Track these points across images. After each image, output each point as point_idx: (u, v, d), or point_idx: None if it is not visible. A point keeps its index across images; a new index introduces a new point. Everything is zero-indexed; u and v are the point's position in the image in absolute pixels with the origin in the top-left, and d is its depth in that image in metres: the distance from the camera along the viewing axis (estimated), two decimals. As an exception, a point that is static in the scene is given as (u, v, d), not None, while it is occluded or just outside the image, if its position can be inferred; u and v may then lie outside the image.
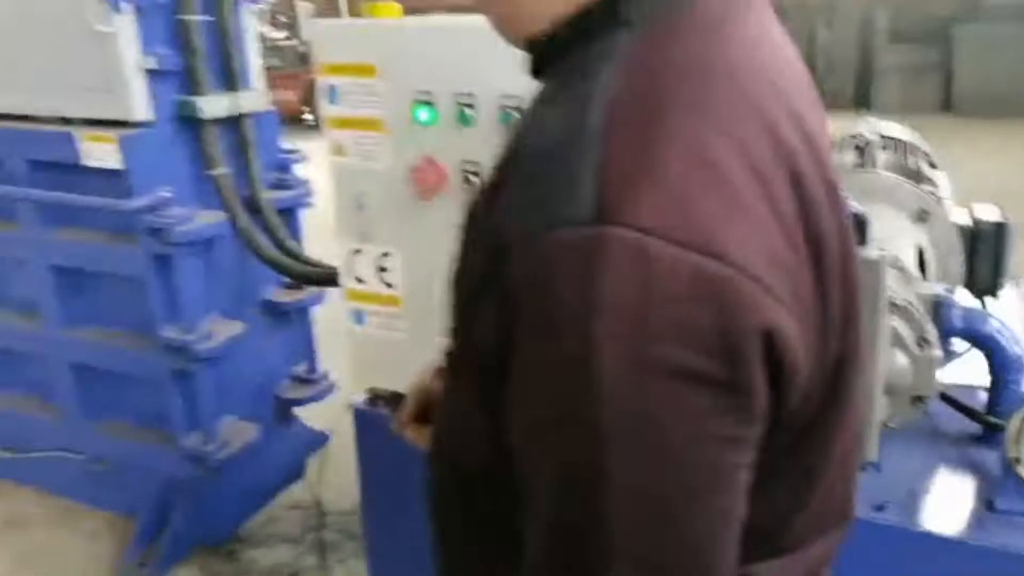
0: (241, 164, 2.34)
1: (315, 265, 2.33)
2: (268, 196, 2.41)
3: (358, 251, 1.47)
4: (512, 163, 0.56)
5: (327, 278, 2.14)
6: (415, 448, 0.88)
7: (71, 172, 2.19)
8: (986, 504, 1.20)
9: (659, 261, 0.44)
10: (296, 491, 2.82)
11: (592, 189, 0.46)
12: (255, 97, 2.36)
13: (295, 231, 2.55)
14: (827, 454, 0.62)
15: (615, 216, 0.45)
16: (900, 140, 1.71)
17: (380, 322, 1.50)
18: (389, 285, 1.46)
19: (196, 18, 2.13)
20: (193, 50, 2.14)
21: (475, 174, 1.29)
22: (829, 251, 0.54)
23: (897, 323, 1.18)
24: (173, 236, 2.13)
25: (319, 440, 2.88)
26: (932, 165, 1.72)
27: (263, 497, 2.76)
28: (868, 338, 0.84)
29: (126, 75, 2.06)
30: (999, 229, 1.60)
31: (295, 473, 2.87)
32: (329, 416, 2.74)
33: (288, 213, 2.53)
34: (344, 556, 2.50)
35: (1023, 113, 9.85)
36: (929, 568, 1.16)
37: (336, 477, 2.67)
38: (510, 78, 1.19)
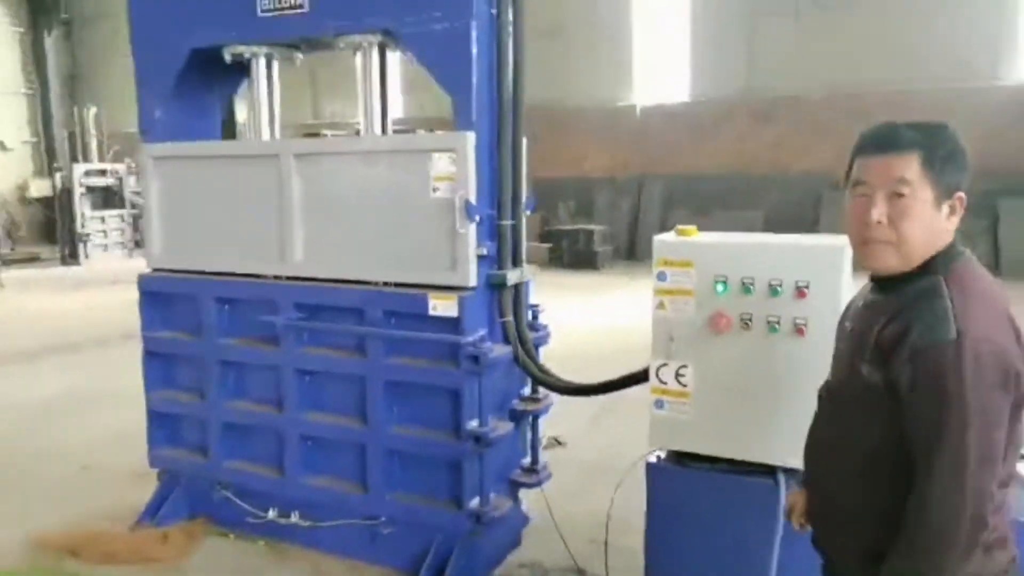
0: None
1: (569, 384, 3.42)
2: (530, 335, 3.54)
3: (664, 365, 2.54)
4: (901, 326, 1.60)
5: (599, 388, 3.22)
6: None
7: (415, 321, 3.36)
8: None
9: (989, 345, 1.51)
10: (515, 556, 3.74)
11: (954, 327, 1.53)
12: (528, 271, 3.54)
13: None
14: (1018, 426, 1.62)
15: (963, 336, 1.51)
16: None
17: (673, 407, 2.54)
18: (684, 386, 2.51)
19: (508, 223, 3.35)
20: (504, 243, 3.36)
21: (749, 320, 2.37)
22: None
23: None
24: (486, 361, 3.25)
25: (525, 519, 3.85)
26: None
27: (504, 550, 3.70)
28: None
29: (468, 258, 3.25)
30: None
31: (516, 541, 3.81)
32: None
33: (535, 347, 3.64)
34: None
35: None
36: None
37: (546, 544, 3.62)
38: (772, 267, 2.31)
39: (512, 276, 3.42)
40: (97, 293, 12.15)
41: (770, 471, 2.44)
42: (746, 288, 2.37)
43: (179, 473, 4.13)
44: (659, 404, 2.57)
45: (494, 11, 3.33)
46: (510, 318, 3.43)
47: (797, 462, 2.09)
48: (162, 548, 3.79)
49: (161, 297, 4.08)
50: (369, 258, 3.53)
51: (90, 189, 15.64)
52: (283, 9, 3.57)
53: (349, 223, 3.56)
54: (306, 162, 3.65)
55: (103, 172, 16.11)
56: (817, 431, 1.90)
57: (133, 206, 16.53)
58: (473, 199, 3.25)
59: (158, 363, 4.11)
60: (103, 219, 15.89)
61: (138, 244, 16.89)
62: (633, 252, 14.70)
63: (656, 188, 14.84)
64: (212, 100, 4.32)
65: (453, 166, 3.29)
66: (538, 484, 3.76)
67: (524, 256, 3.57)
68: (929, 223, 1.63)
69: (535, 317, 3.71)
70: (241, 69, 4.04)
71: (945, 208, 1.65)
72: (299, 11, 3.54)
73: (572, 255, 13.78)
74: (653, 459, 2.64)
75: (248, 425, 3.90)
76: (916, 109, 12.41)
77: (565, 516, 3.73)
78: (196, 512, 4.09)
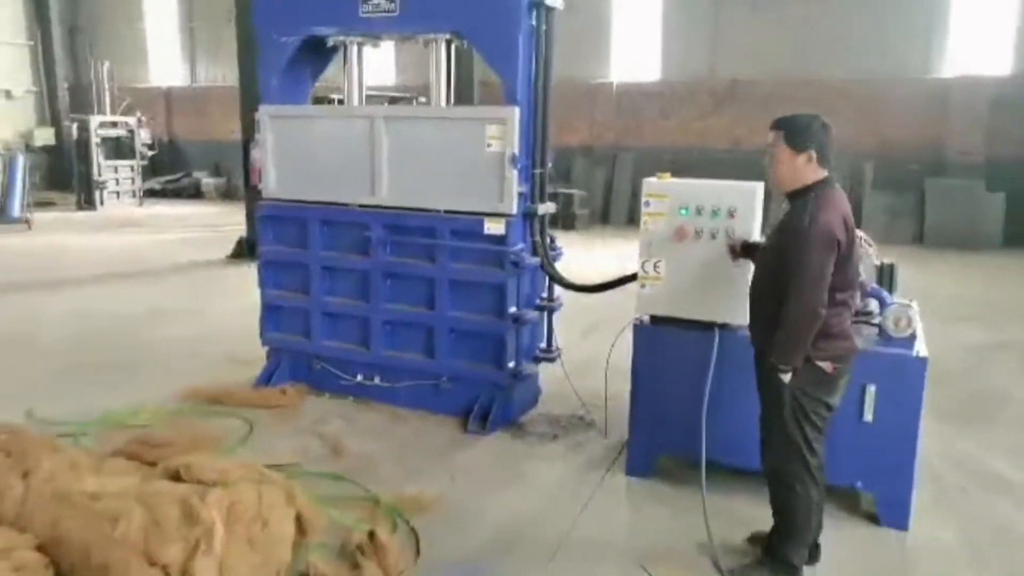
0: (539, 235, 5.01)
1: (577, 284, 4.97)
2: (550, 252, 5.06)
3: (647, 261, 4.07)
4: (788, 224, 3.16)
5: (600, 287, 4.77)
6: (665, 342, 3.46)
7: (472, 237, 4.84)
8: (869, 341, 3.74)
9: (825, 226, 3.03)
10: (534, 411, 5.29)
11: (809, 219, 3.05)
12: (552, 206, 5.06)
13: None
14: (849, 267, 3.16)
15: (813, 222, 3.04)
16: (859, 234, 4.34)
17: (651, 287, 4.08)
18: (659, 273, 4.05)
19: (543, 171, 4.86)
20: (536, 185, 4.86)
21: (700, 231, 3.90)
22: (850, 232, 3.10)
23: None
24: (523, 265, 4.77)
25: (539, 389, 5.42)
26: (869, 244, 4.32)
27: (527, 405, 5.25)
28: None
29: (512, 195, 4.75)
30: (891, 267, 4.18)
31: (536, 398, 5.37)
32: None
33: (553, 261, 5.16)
34: (580, 432, 4.94)
35: (973, 246, 12.71)
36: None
37: (559, 401, 5.19)
38: (716, 199, 3.86)
39: (541, 208, 4.94)
40: (122, 234, 13.37)
41: (710, 326, 3.98)
42: (699, 211, 3.89)
43: (285, 350, 5.60)
44: (643, 286, 4.11)
45: (533, 23, 4.79)
46: (539, 238, 4.95)
47: (726, 319, 3.77)
48: (282, 398, 5.28)
49: (275, 220, 5.51)
50: (438, 192, 4.99)
51: (104, 140, 16.66)
52: (379, 12, 4.99)
53: (424, 167, 5.02)
54: (392, 123, 5.10)
55: (114, 124, 17.13)
56: (753, 279, 3.47)
57: (143, 157, 17.60)
58: (516, 153, 4.74)
59: (271, 269, 5.55)
60: (116, 168, 16.95)
61: (147, 193, 18.02)
62: (607, 216, 16.25)
63: (628, 159, 16.36)
64: (308, 72, 5.71)
65: (502, 130, 4.77)
66: (552, 359, 5.32)
67: (547, 195, 5.08)
68: (790, 167, 3.18)
69: (552, 241, 5.23)
70: (333, 50, 5.46)
71: (802, 158, 3.18)
72: (391, 13, 4.96)
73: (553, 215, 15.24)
74: (638, 322, 4.19)
75: (341, 314, 5.37)
76: (855, 96, 14.26)
77: (566, 391, 5.28)
78: (297, 380, 5.57)
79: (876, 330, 3.79)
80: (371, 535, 3.43)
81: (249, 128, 10.77)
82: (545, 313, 5.28)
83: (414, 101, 13.02)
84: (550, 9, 4.83)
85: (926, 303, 5.91)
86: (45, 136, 20.20)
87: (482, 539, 3.69)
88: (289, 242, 5.49)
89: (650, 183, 4.05)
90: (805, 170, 3.18)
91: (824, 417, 3.23)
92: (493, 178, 4.81)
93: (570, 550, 3.61)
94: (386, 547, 3.36)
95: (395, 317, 5.22)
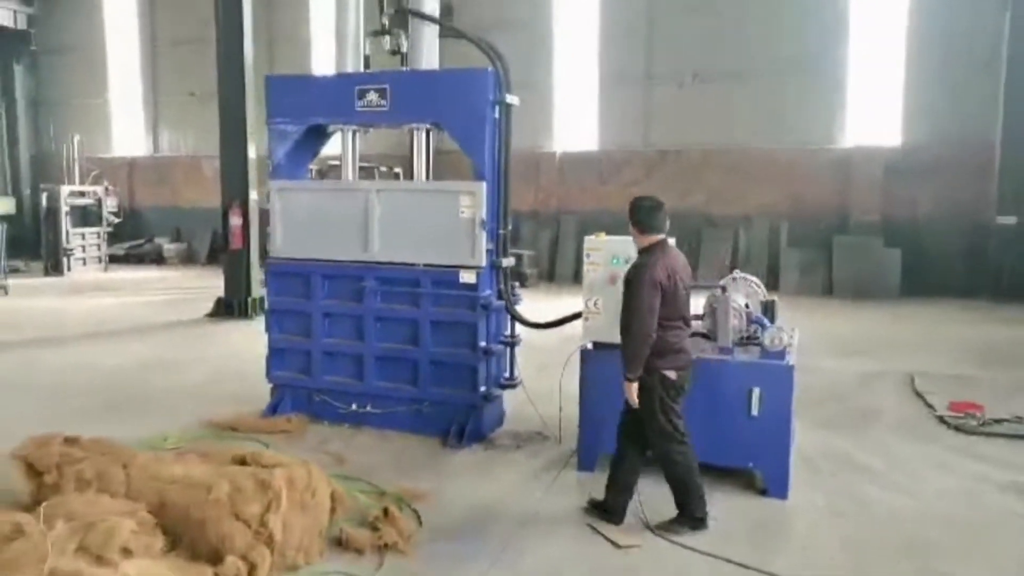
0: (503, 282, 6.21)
1: (534, 322, 6.17)
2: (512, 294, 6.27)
3: (590, 299, 5.29)
4: (629, 272, 4.46)
5: (553, 324, 5.99)
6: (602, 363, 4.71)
7: (449, 285, 6.02)
8: (755, 356, 5.01)
9: (650, 274, 4.35)
10: (500, 429, 6.40)
11: (641, 269, 4.39)
12: (513, 260, 6.28)
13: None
14: (675, 302, 4.45)
15: (642, 270, 4.39)
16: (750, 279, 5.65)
17: (593, 320, 5.29)
18: (598, 309, 5.27)
19: (506, 232, 6.09)
20: (500, 243, 6.09)
21: (623, 280, 5.15)
22: (671, 278, 4.41)
23: (739, 312, 5.03)
24: (492, 307, 5.96)
25: (503, 412, 6.55)
26: (758, 285, 5.62)
27: (495, 424, 6.36)
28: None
29: (482, 251, 5.96)
30: (772, 303, 5.50)
31: (502, 419, 6.49)
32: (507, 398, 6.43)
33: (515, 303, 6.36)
34: (538, 444, 6.06)
35: (875, 296, 14.44)
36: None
37: (520, 421, 6.33)
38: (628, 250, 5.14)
39: (505, 262, 6.16)
40: (96, 297, 14.10)
41: (638, 349, 5.19)
42: (626, 261, 5.15)
43: (288, 385, 6.62)
44: (586, 319, 5.33)
45: (497, 117, 6.10)
46: (503, 286, 6.16)
47: None
48: (288, 425, 6.29)
49: (281, 275, 6.60)
50: (421, 250, 6.17)
51: (72, 208, 17.42)
52: (372, 107, 6.23)
53: (409, 229, 6.20)
54: (384, 195, 6.30)
55: (83, 193, 17.91)
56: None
57: (108, 224, 18.35)
58: (484, 217, 5.98)
59: (277, 317, 6.62)
60: (83, 235, 17.66)
61: (111, 259, 18.70)
62: (553, 275, 17.61)
63: (572, 221, 17.86)
64: (309, 150, 6.90)
65: (472, 200, 6.01)
66: (515, 386, 6.48)
67: (508, 251, 6.31)
68: (634, 235, 4.56)
69: (513, 288, 6.44)
70: (330, 133, 6.68)
71: (636, 230, 4.53)
72: (382, 108, 6.20)
73: (502, 274, 16.55)
74: (584, 347, 5.39)
75: (339, 352, 6.44)
76: (770, 164, 16.12)
77: (526, 413, 6.42)
78: (299, 411, 6.58)
79: (759, 348, 5.07)
80: (385, 511, 4.49)
81: (228, 196, 11.85)
82: (508, 348, 6.45)
83: (397, 173, 14.44)
84: (509, 106, 6.14)
85: (828, 342, 7.55)
86: (5, 205, 20.75)
87: (466, 517, 4.76)
88: (294, 293, 6.57)
89: (590, 240, 5.32)
90: (641, 237, 4.58)
91: (679, 405, 4.52)
92: (466, 238, 6.02)
93: (536, 522, 4.71)
94: (397, 518, 4.43)
95: (385, 353, 6.31)
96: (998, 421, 6.51)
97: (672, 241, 4.73)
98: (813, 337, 9.04)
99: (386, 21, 6.52)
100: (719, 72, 16.55)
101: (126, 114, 22.05)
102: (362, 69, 6.59)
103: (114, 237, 19.49)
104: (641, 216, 4.54)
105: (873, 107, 16.04)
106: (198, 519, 3.74)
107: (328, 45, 18.67)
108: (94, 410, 6.94)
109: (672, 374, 4.44)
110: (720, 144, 16.63)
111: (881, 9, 15.85)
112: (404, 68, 6.44)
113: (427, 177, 6.48)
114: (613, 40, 17.58)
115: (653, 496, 4.80)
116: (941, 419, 6.69)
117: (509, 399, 6.63)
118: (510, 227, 6.34)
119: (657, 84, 17.32)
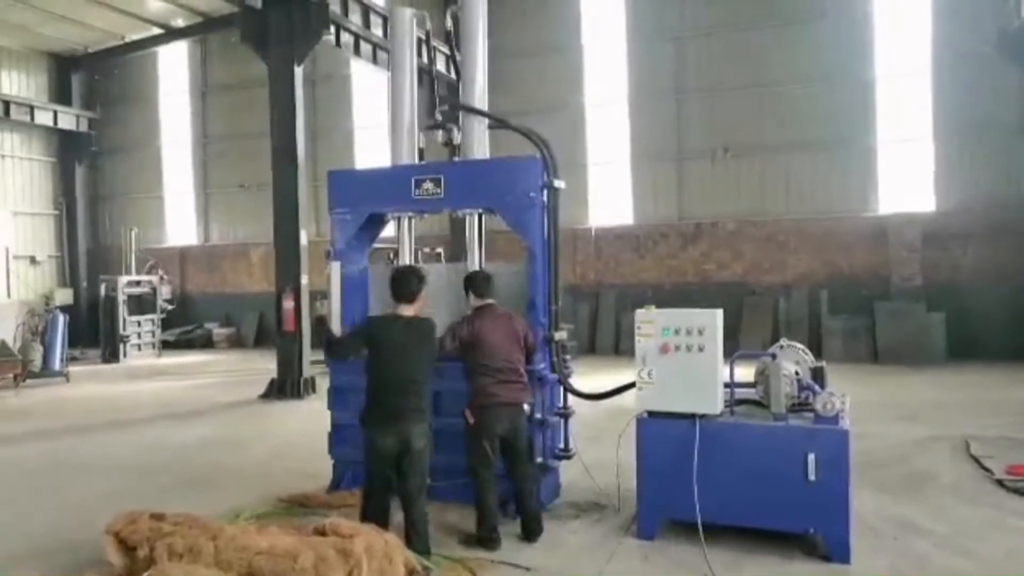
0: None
1: (588, 393, 6.38)
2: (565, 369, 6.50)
3: (643, 369, 5.50)
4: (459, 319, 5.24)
5: (607, 394, 6.18)
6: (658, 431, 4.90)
7: (506, 359, 6.30)
8: (808, 421, 5.15)
9: (459, 329, 5.30)
10: (558, 500, 6.53)
11: (460, 323, 5.32)
12: (565, 333, 6.54)
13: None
14: (475, 353, 5.20)
15: (459, 326, 5.43)
16: (797, 346, 5.83)
17: (646, 389, 5.50)
18: (651, 378, 5.48)
19: (557, 307, 6.38)
20: (554, 318, 6.37)
21: (677, 347, 5.37)
22: (474, 333, 5.37)
23: (791, 379, 5.21)
24: (547, 380, 6.20)
25: (560, 484, 6.69)
26: (805, 352, 5.80)
27: (552, 496, 6.50)
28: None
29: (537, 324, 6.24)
30: (821, 369, 5.67)
31: (558, 491, 6.62)
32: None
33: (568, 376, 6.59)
34: (597, 513, 6.17)
35: (921, 362, 14.34)
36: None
37: (577, 492, 6.45)
38: (686, 323, 5.38)
39: (557, 335, 6.42)
40: (154, 381, 14.61)
41: (692, 416, 5.35)
42: (676, 331, 5.39)
43: (350, 461, 6.85)
44: (640, 389, 5.53)
45: (546, 200, 6.46)
46: (556, 358, 6.40)
47: (702, 410, 5.18)
48: (352, 499, 6.48)
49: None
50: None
51: (129, 297, 18.19)
52: (428, 195, 6.65)
53: (465, 306, 6.52)
54: (441, 277, 6.65)
55: (138, 283, 18.72)
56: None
57: (162, 311, 19.07)
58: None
59: (339, 395, 6.91)
60: (139, 323, 18.37)
61: (163, 344, 19.34)
62: (594, 347, 17.79)
63: (610, 295, 18.14)
64: (368, 235, 7.32)
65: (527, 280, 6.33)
66: (570, 457, 6.63)
67: (560, 325, 6.57)
68: (470, 301, 5.32)
69: (566, 361, 6.68)
70: (386, 221, 7.10)
71: (468, 295, 5.37)
72: (437, 196, 6.61)
73: (543, 349, 16.82)
74: (639, 416, 5.58)
75: (399, 427, 6.67)
76: (804, 234, 16.35)
77: (582, 484, 6.57)
78: (360, 485, 6.77)
79: (812, 414, 5.21)
80: (454, 578, 4.65)
81: (282, 281, 12.37)
82: (562, 419, 6.64)
83: (438, 253, 15.04)
84: (556, 189, 6.52)
85: (878, 407, 7.60)
86: (64, 296, 21.70)
87: (534, 584, 4.90)
88: (356, 372, 6.86)
89: (640, 313, 5.58)
90: (471, 301, 5.65)
91: (487, 441, 5.57)
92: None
93: (602, 589, 4.82)
94: (466, 585, 4.59)
95: (446, 427, 6.54)
96: (1058, 483, 6.49)
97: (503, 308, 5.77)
98: (862, 403, 9.05)
99: (439, 116, 7.02)
100: (750, 146, 17.03)
101: (179, 207, 23.17)
102: (416, 160, 7.06)
103: (165, 323, 20.21)
104: (474, 283, 5.72)
105: (906, 174, 16.30)
106: (286, 587, 3.95)
107: (367, 136, 19.84)
108: (171, 487, 7.23)
109: (469, 415, 5.58)
110: (754, 215, 16.96)
111: (907, 80, 16.30)
112: (456, 158, 6.89)
113: (481, 257, 6.83)
114: (644, 115, 18.26)
115: (722, 560, 4.90)
116: (1000, 483, 6.68)
117: (565, 470, 6.78)
118: (560, 303, 6.62)
119: (688, 158, 17.82)
